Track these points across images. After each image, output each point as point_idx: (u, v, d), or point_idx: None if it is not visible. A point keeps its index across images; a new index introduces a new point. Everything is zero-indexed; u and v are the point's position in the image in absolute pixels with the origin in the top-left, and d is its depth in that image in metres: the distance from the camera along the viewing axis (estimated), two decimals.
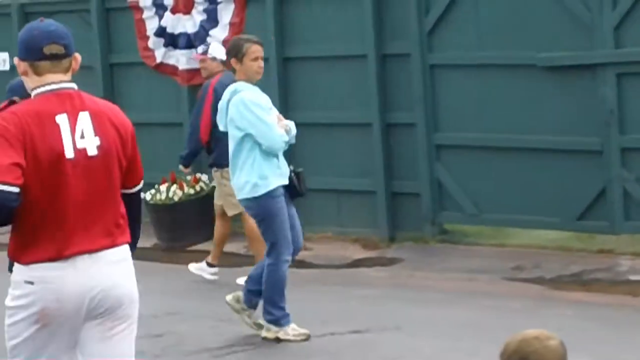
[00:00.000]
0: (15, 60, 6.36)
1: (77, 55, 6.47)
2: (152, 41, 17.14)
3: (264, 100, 11.48)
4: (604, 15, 13.67)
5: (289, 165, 11.50)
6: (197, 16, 16.65)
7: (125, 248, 6.67)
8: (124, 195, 6.64)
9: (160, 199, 15.89)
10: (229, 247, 15.82)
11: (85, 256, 6.41)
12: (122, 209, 6.63)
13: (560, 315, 11.34)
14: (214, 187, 15.92)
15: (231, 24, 16.39)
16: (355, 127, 15.99)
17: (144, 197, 15.74)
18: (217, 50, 15.26)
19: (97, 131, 6.32)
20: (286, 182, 11.25)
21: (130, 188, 6.68)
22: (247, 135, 10.92)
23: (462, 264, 14.01)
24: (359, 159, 15.82)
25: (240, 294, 11.32)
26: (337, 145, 16.14)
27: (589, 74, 13.91)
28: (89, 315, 6.53)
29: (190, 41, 16.72)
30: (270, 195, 10.95)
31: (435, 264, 14.34)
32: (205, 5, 16.65)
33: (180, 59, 16.96)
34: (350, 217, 15.95)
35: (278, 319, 11.08)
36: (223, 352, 11.08)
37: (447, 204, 15.18)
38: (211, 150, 15.12)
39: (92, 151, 6.28)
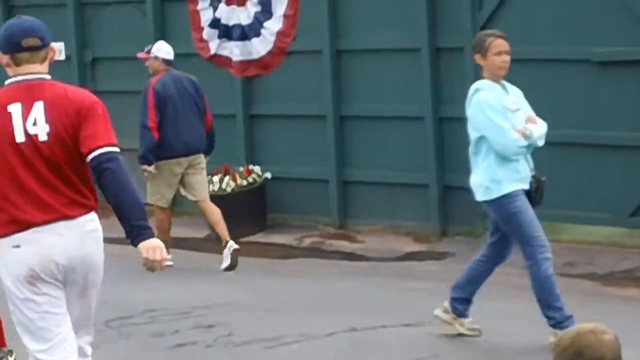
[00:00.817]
0: None
1: (54, 45, 7.49)
2: (207, 32, 17.15)
3: (508, 100, 10.91)
4: None
5: (532, 170, 11.01)
6: (252, 8, 16.61)
7: (91, 216, 7.30)
8: (91, 168, 7.13)
9: (213, 190, 16.08)
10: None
11: (44, 226, 7.08)
12: (83, 185, 7.23)
13: (611, 311, 11.14)
14: (266, 179, 16.60)
15: (285, 16, 16.34)
16: (408, 120, 15.83)
17: None
18: (161, 50, 15.51)
19: (48, 119, 7.06)
20: (525, 187, 10.78)
21: (87, 155, 7.04)
22: (482, 137, 10.53)
23: (514, 258, 13.39)
24: (411, 152, 15.70)
25: (447, 304, 10.84)
26: (389, 138, 15.96)
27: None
28: (52, 279, 7.21)
29: (244, 33, 16.71)
30: (505, 197, 10.51)
31: None
32: None
33: (234, 50, 16.93)
34: (402, 210, 15.75)
35: (559, 322, 10.37)
36: (274, 343, 10.87)
37: None
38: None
39: (43, 137, 7.03)
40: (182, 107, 15.25)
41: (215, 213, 15.05)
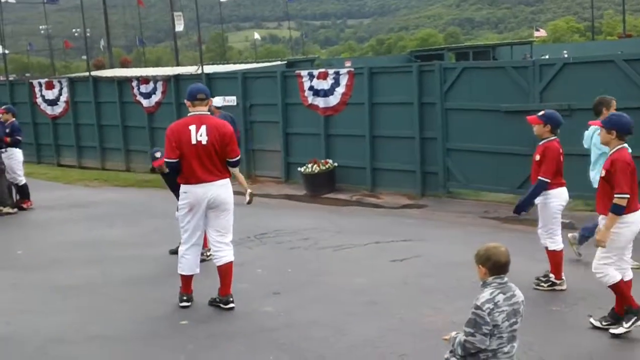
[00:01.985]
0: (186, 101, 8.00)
1: (211, 99, 8.45)
2: (307, 92, 16.93)
3: None
4: (535, 85, 13.35)
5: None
6: (329, 80, 16.51)
7: (226, 180, 7.87)
8: (227, 162, 7.89)
9: (307, 171, 16.31)
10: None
11: (205, 183, 7.73)
12: (225, 166, 7.87)
13: (509, 236, 10.98)
14: (335, 166, 16.23)
15: (346, 85, 16.20)
16: (403, 139, 15.42)
17: (300, 170, 16.29)
18: (216, 104, 14.04)
19: (208, 134, 7.73)
20: None
21: (229, 159, 7.89)
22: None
23: (458, 208, 13.98)
24: (408, 155, 15.29)
25: (577, 234, 9.78)
26: (392, 147, 15.60)
27: (526, 115, 13.59)
28: (209, 207, 7.79)
29: (325, 93, 16.57)
30: None
31: (444, 208, 14.11)
32: (333, 75, 16.48)
33: (320, 101, 16.70)
34: (402, 183, 15.42)
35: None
36: (338, 248, 10.98)
37: (451, 178, 14.89)
38: None
39: (204, 142, 7.71)
40: None
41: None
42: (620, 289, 6.80)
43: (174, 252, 9.19)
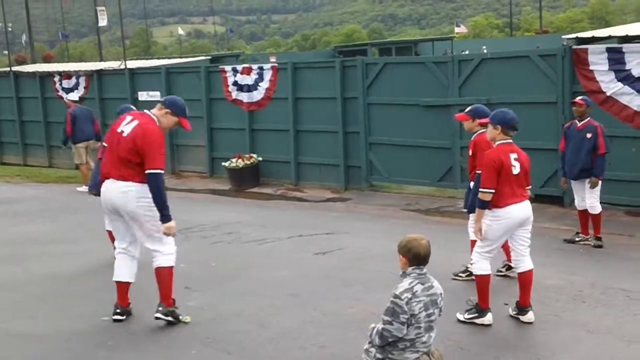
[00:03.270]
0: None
1: (176, 117, 6.96)
2: (230, 88, 16.86)
3: None
4: (454, 79, 13.52)
5: None
6: (253, 76, 16.46)
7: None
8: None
9: (236, 166, 16.20)
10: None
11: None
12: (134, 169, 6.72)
13: (428, 228, 11.24)
14: (259, 160, 16.22)
15: (270, 80, 16.18)
16: (329, 133, 15.52)
17: (225, 165, 16.19)
18: (71, 98, 16.80)
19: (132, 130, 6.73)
20: None
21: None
22: None
23: (380, 201, 14.09)
24: (333, 149, 15.39)
25: None
26: (320, 141, 15.73)
27: (445, 110, 13.64)
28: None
29: (249, 88, 16.53)
30: None
31: (367, 201, 14.20)
32: (257, 70, 16.44)
33: (244, 96, 16.65)
34: (326, 177, 15.59)
35: None
36: (262, 241, 10.93)
37: (374, 172, 15.03)
38: (70, 137, 16.22)
39: (122, 131, 6.82)
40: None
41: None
42: (479, 283, 7.00)
43: None
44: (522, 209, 6.83)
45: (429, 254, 4.96)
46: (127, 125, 6.83)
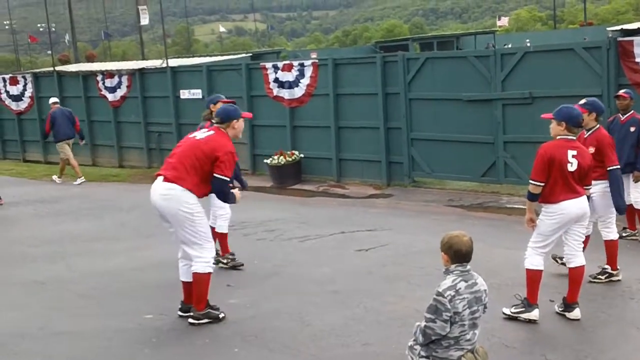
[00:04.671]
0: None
1: (234, 122, 7.08)
2: (272, 84, 16.86)
3: None
4: (497, 74, 13.35)
5: None
6: (294, 72, 16.46)
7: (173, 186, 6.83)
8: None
9: (274, 163, 16.24)
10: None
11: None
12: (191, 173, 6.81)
13: (472, 224, 11.19)
14: (301, 157, 16.22)
15: (311, 77, 16.18)
16: (371, 129, 15.48)
17: (267, 162, 16.22)
18: (52, 101, 18.43)
19: (207, 141, 6.95)
20: None
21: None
22: None
23: (423, 197, 13.99)
24: (375, 146, 15.30)
25: None
26: (360, 139, 15.64)
27: (488, 104, 13.54)
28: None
29: (290, 84, 16.55)
30: None
31: (410, 197, 14.09)
32: (298, 67, 16.44)
33: (285, 93, 16.64)
34: (368, 174, 15.52)
35: None
36: (304, 239, 10.92)
37: (416, 168, 14.96)
38: (50, 134, 18.02)
39: (195, 137, 7.09)
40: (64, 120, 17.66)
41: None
42: (529, 277, 6.92)
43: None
44: (577, 206, 6.77)
45: (471, 250, 4.90)
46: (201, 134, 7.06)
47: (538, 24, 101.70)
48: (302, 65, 16.58)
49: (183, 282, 7.24)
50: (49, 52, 39.71)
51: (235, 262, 9.21)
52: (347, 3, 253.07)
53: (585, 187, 6.88)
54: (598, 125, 7.97)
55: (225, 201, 7.11)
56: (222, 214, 9.07)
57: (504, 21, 69.63)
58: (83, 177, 17.94)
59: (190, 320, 7.10)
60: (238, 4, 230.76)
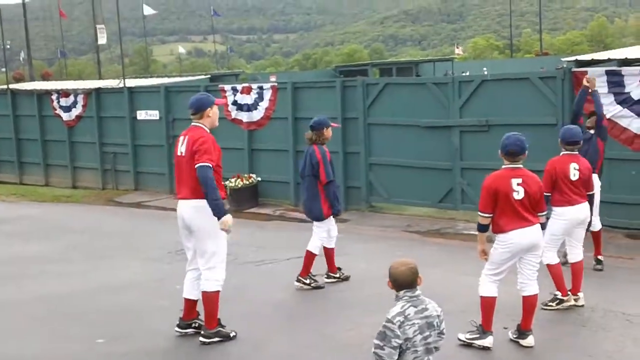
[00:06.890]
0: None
1: (207, 111, 6.98)
2: (230, 107, 16.73)
3: None
4: (454, 100, 13.46)
5: None
6: (253, 95, 16.47)
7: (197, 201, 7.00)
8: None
9: (231, 186, 16.07)
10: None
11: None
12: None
13: (429, 250, 11.29)
14: (258, 180, 16.15)
15: (270, 100, 16.20)
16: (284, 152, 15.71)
17: (225, 184, 16.05)
18: None
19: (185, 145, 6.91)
20: None
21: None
22: None
23: (380, 222, 14.00)
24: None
25: None
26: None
27: (446, 130, 13.65)
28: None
29: (249, 107, 16.56)
30: None
31: (367, 222, 14.08)
32: (257, 90, 16.42)
33: (244, 116, 16.66)
34: None
35: None
36: (260, 263, 10.90)
37: (373, 192, 15.02)
38: None
39: (180, 153, 7.01)
40: None
41: None
42: (483, 304, 6.98)
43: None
44: (527, 235, 6.79)
45: (411, 279, 4.82)
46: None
47: (495, 53, 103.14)
48: (261, 88, 16.56)
49: (185, 299, 7.27)
50: (3, 69, 39.24)
51: (319, 284, 9.34)
52: (307, 27, 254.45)
53: (539, 214, 6.90)
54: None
55: (206, 189, 6.79)
56: (335, 234, 9.51)
57: (460, 50, 70.56)
58: None
59: (201, 339, 7.10)
60: (198, 25, 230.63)
